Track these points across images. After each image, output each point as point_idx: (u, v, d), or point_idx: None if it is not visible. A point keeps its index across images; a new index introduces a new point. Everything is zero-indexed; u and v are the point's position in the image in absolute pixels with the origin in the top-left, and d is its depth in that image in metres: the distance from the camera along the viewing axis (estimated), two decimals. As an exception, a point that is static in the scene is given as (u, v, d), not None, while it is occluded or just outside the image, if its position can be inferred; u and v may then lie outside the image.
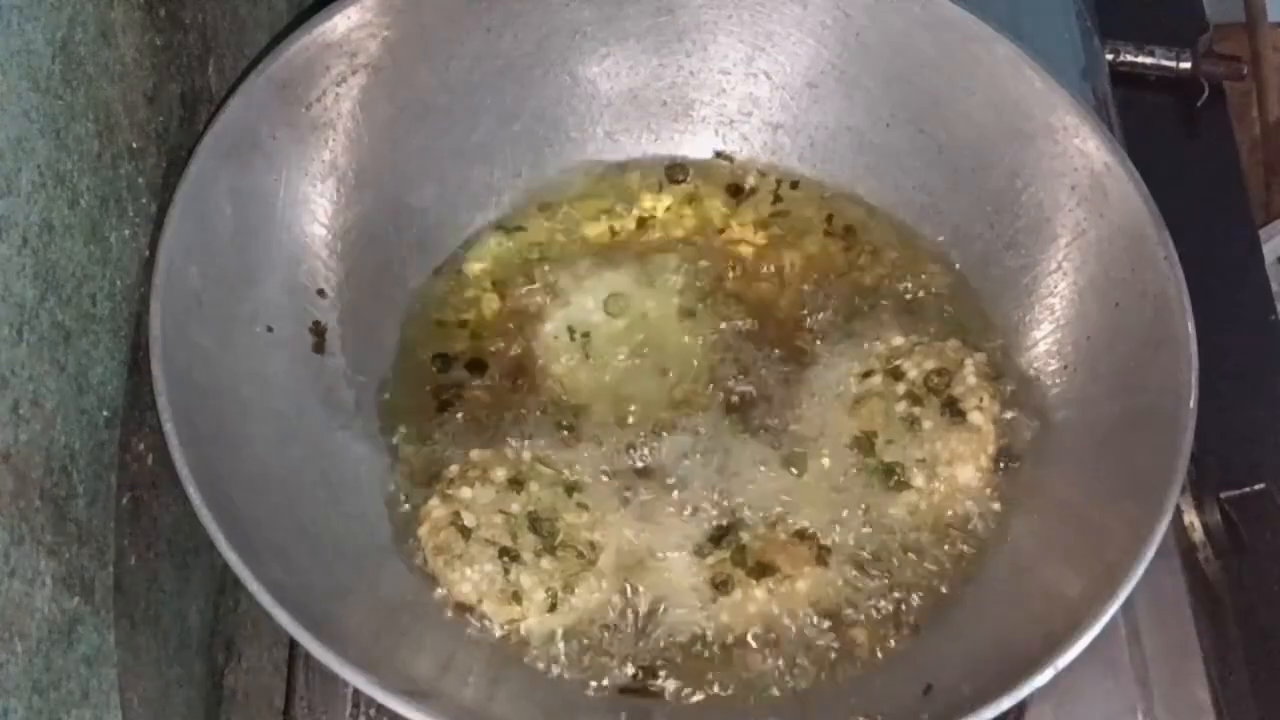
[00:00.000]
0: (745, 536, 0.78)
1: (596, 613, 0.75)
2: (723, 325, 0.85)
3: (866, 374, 0.83)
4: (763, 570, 0.77)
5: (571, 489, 0.78)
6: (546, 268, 0.86)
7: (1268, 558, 0.88)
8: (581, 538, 0.77)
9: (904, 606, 0.77)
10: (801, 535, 0.78)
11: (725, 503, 0.79)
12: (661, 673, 0.74)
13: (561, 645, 0.74)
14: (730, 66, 0.90)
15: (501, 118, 0.88)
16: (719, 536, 0.78)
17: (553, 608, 0.74)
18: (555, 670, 0.74)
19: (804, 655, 0.75)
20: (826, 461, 0.81)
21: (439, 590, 0.75)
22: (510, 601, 0.74)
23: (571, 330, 0.84)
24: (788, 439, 0.81)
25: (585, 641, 0.75)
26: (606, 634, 0.75)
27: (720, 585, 0.77)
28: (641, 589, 0.76)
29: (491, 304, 0.86)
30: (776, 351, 0.84)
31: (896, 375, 0.82)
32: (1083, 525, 0.75)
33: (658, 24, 0.89)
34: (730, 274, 0.88)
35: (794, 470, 0.80)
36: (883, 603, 0.77)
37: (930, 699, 0.71)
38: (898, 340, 0.84)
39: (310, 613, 0.66)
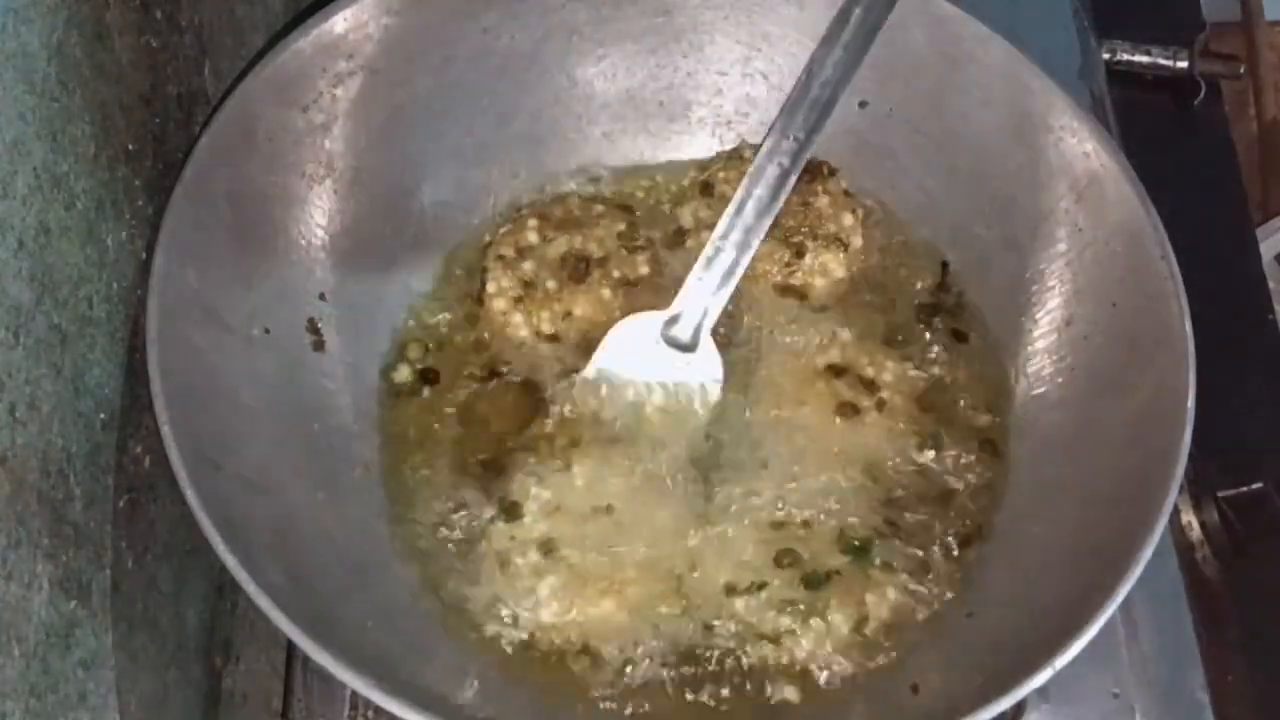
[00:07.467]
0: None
1: (598, 626, 0.75)
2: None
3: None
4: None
5: None
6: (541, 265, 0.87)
7: (1266, 557, 0.88)
8: None
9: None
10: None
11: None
12: (660, 677, 0.74)
13: (564, 648, 0.75)
14: (727, 68, 0.90)
15: (498, 119, 0.88)
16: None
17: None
18: (555, 674, 0.74)
19: (800, 658, 0.75)
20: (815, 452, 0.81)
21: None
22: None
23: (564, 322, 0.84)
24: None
25: (584, 651, 0.75)
26: (603, 647, 0.75)
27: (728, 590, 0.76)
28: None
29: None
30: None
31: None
32: (1081, 524, 0.75)
33: (654, 25, 0.89)
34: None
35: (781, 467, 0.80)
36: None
37: (929, 699, 0.71)
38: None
39: (308, 615, 0.66)
